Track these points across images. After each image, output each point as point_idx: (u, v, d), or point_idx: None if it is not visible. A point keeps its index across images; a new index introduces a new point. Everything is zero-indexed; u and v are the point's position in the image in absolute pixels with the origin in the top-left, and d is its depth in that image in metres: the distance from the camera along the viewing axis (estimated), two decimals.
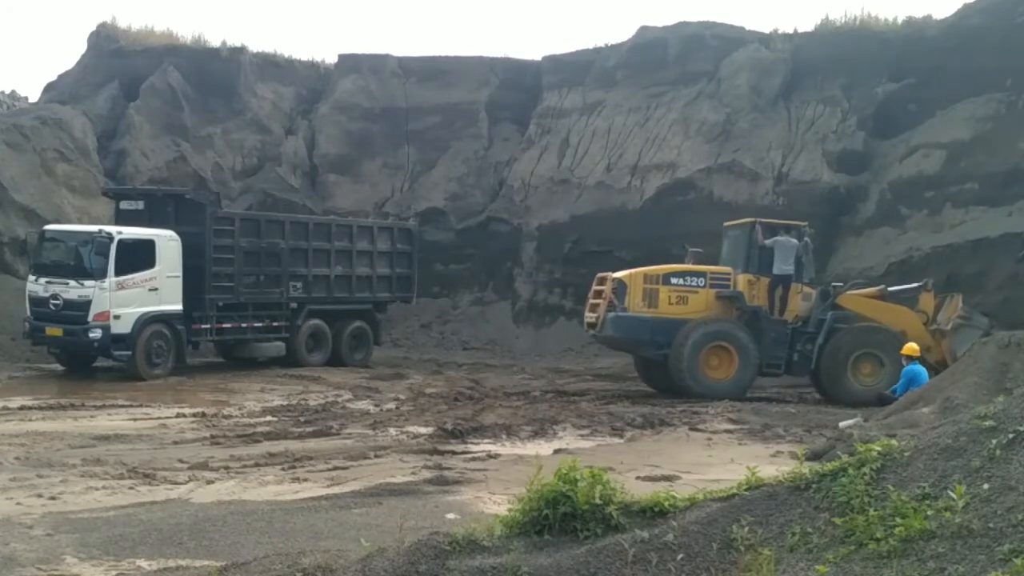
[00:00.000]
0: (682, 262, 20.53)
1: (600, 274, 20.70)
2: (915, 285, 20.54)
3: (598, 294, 20.00)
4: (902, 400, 14.16)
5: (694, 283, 19.56)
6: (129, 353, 19.07)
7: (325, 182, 31.43)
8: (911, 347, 15.65)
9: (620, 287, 19.38)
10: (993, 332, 19.41)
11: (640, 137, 28.83)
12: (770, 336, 19.28)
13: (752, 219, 20.40)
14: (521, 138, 31.38)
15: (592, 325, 20.11)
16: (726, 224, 21.41)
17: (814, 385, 20.04)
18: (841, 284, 20.32)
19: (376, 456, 12.25)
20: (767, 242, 19.47)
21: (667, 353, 19.11)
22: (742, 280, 19.61)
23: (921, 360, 19.47)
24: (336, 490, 10.25)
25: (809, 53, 28.15)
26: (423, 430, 14.26)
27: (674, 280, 19.53)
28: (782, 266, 19.38)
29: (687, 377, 18.89)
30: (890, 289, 20.38)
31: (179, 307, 19.98)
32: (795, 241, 19.50)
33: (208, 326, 20.86)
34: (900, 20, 28.57)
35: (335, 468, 11.36)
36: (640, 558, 5.61)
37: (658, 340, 19.17)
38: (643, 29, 30.42)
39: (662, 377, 19.82)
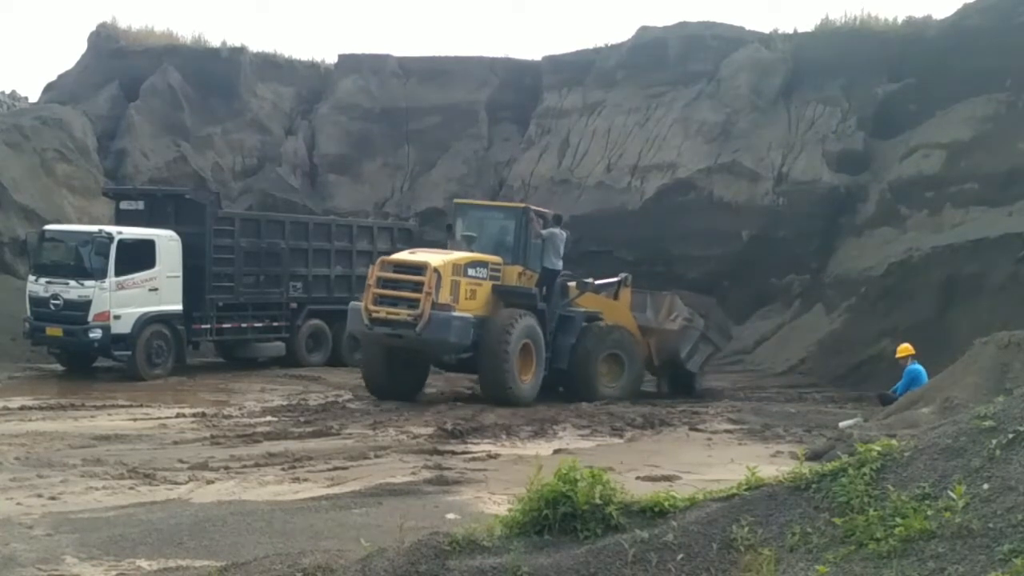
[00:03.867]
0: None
1: (385, 258, 17.53)
2: (615, 279, 19.62)
3: (392, 283, 16.74)
4: (902, 400, 14.16)
5: (482, 275, 17.19)
6: (129, 353, 19.05)
7: (325, 182, 31.44)
8: (905, 347, 15.60)
9: (437, 279, 16.36)
10: (709, 334, 19.44)
11: (640, 137, 28.82)
12: (548, 335, 17.76)
13: (523, 204, 18.80)
14: (521, 138, 31.37)
15: (396, 323, 16.48)
16: (461, 201, 19.56)
17: (552, 382, 18.13)
18: (591, 280, 18.89)
19: (376, 456, 12.26)
20: (544, 233, 17.79)
21: (467, 357, 17.00)
22: (512, 272, 17.65)
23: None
24: (336, 490, 10.26)
25: (809, 53, 28.15)
26: (423, 430, 14.25)
27: (471, 271, 17.00)
28: (554, 260, 17.81)
29: (509, 380, 16.59)
30: (597, 283, 19.25)
31: (179, 307, 19.95)
32: (564, 234, 18.14)
33: (208, 326, 20.83)
34: (900, 20, 28.62)
35: (335, 468, 11.37)
36: (640, 558, 5.61)
37: (466, 343, 16.73)
38: (643, 29, 30.42)
39: (408, 380, 17.64)
